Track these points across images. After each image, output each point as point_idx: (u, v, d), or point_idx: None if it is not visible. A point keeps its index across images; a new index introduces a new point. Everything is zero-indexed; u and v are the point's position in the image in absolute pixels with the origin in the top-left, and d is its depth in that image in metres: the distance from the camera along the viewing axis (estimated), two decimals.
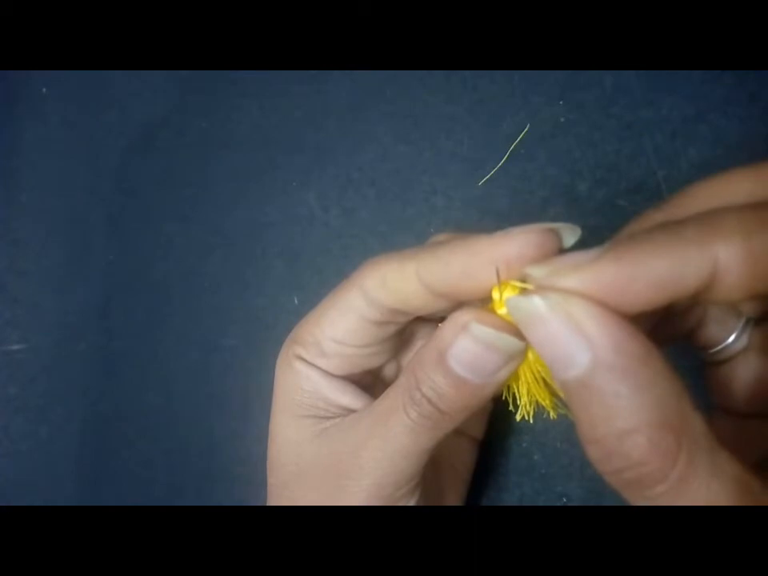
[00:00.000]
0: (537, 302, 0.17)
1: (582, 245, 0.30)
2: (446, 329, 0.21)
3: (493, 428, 0.31)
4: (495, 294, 0.20)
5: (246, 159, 0.43)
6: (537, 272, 0.19)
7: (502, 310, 0.20)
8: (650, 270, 0.17)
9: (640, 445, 0.16)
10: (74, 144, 0.51)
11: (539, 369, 0.21)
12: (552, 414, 0.22)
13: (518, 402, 0.22)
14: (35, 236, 0.51)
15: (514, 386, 0.22)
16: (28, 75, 0.53)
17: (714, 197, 0.20)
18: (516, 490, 0.31)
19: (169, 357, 0.44)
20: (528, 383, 0.22)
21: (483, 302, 0.21)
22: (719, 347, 0.23)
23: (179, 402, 0.43)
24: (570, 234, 0.20)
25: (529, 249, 0.19)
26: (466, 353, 0.20)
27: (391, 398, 0.23)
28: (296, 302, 0.40)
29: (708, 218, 0.17)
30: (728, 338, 0.23)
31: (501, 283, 0.20)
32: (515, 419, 0.22)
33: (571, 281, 0.18)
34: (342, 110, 0.39)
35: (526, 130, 0.32)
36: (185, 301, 0.44)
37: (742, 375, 0.22)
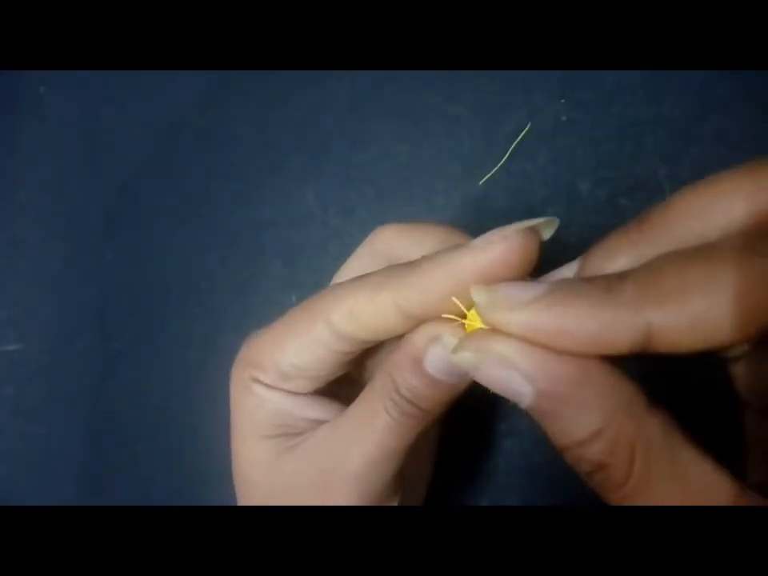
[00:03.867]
0: (468, 357, 0.19)
1: (583, 244, 0.30)
2: (418, 338, 0.21)
3: (493, 429, 0.31)
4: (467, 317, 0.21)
5: (245, 159, 0.43)
6: (479, 298, 0.19)
7: (471, 326, 0.21)
8: (580, 327, 0.17)
9: (597, 452, 0.17)
10: (73, 144, 0.51)
11: None
12: None
13: None
14: (33, 235, 0.51)
15: None
16: (26, 75, 0.53)
17: (693, 215, 0.19)
18: (516, 491, 0.31)
19: (167, 356, 0.44)
20: None
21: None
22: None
23: (177, 402, 0.43)
24: (549, 228, 0.21)
25: (511, 256, 0.19)
26: (439, 360, 0.21)
27: (368, 402, 0.23)
28: (294, 300, 0.40)
29: (647, 279, 0.17)
30: None
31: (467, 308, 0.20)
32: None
33: (504, 318, 0.18)
34: (342, 109, 0.39)
35: (526, 128, 0.32)
36: (183, 300, 0.44)
37: (757, 370, 0.22)
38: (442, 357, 0.21)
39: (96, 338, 0.48)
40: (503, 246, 0.19)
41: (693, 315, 0.17)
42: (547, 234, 0.20)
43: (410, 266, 0.21)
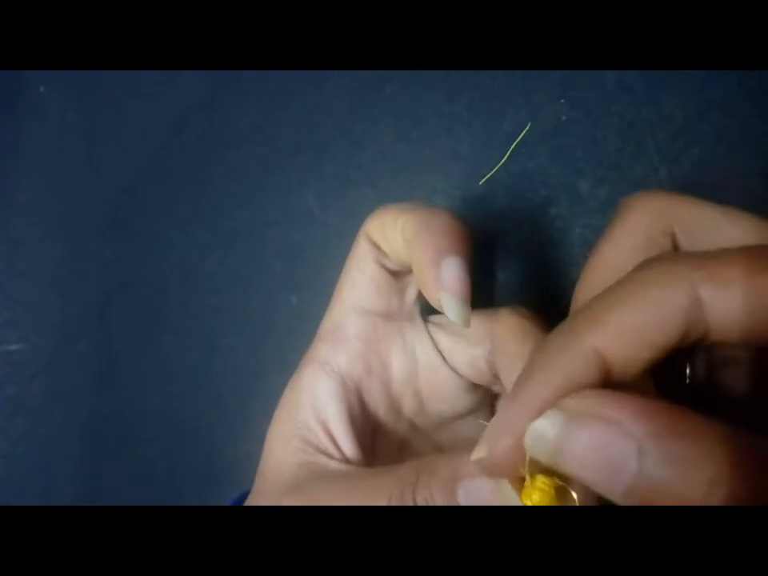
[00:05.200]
0: (560, 423, 0.16)
1: (583, 244, 0.30)
2: (473, 462, 0.19)
3: None
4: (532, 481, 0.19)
5: (246, 159, 0.43)
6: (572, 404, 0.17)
7: (527, 500, 0.19)
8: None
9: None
10: (73, 143, 0.51)
11: None
12: None
13: None
14: (34, 235, 0.51)
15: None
16: (26, 74, 0.53)
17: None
18: None
19: (168, 357, 0.44)
20: None
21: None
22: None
23: (178, 402, 0.43)
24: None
25: None
26: (478, 497, 0.20)
27: (383, 481, 0.22)
28: (294, 301, 0.40)
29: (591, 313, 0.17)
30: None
31: (531, 475, 0.18)
32: None
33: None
34: (342, 109, 0.39)
35: (527, 128, 0.32)
36: (183, 301, 0.44)
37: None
38: (483, 492, 0.19)
39: (96, 338, 0.48)
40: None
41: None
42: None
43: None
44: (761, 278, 0.16)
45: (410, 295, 0.27)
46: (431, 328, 0.27)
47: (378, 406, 0.26)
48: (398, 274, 0.26)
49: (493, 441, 0.18)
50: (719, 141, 0.28)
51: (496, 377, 0.26)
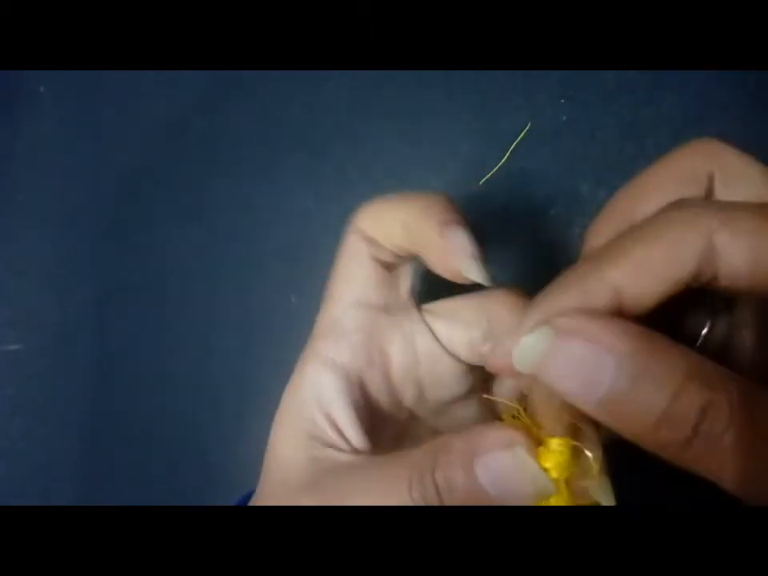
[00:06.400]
0: (543, 337, 0.18)
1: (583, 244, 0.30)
2: (489, 434, 0.20)
3: None
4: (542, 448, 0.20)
5: (245, 158, 0.43)
6: (534, 317, 0.19)
7: (545, 463, 0.20)
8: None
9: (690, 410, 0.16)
10: (72, 143, 0.51)
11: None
12: None
13: None
14: (33, 235, 0.51)
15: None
16: (26, 75, 0.53)
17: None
18: None
19: (166, 356, 0.44)
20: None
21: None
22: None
23: (177, 402, 0.43)
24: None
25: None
26: (498, 468, 0.20)
27: (400, 467, 0.22)
28: (293, 301, 0.40)
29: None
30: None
31: (544, 437, 0.20)
32: None
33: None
34: (341, 109, 0.39)
35: (527, 128, 0.32)
36: (182, 301, 0.44)
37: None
38: (503, 467, 0.20)
39: (95, 339, 0.48)
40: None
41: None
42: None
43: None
44: None
45: (405, 287, 0.27)
46: (427, 316, 0.27)
47: (380, 396, 0.26)
48: (392, 267, 0.27)
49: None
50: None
51: None
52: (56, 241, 0.51)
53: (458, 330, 0.26)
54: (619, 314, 0.19)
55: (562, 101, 0.32)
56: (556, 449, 0.19)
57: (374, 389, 0.26)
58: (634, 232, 0.19)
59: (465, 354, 0.27)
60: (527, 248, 0.32)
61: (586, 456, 0.19)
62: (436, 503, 0.20)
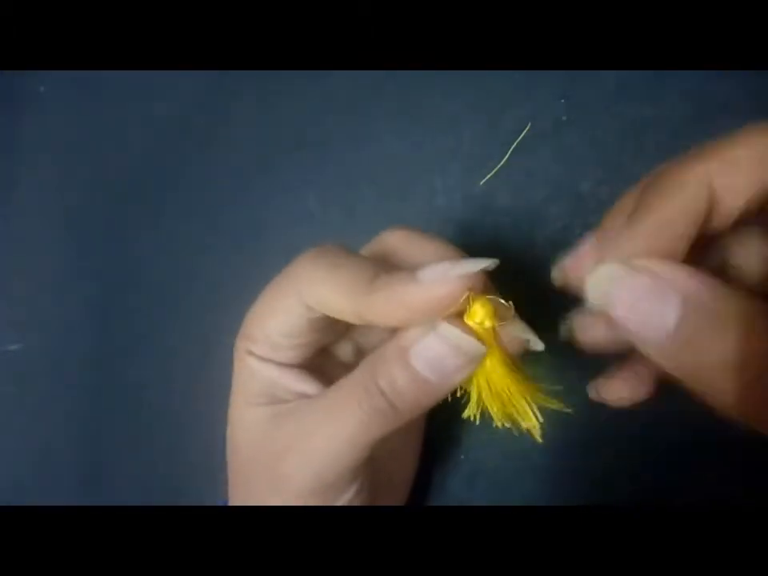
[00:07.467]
0: (609, 273, 0.19)
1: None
2: (414, 328, 0.21)
3: (493, 430, 0.31)
4: (471, 307, 0.21)
5: (246, 158, 0.43)
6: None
7: (471, 320, 0.21)
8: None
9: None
10: (73, 144, 0.51)
11: (494, 378, 0.22)
12: (498, 424, 0.23)
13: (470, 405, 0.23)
14: (33, 235, 0.51)
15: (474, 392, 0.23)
16: (26, 75, 0.53)
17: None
18: (517, 491, 0.31)
19: (168, 356, 0.44)
20: (480, 390, 0.22)
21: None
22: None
23: (179, 401, 0.43)
24: (488, 266, 0.21)
25: (452, 297, 0.20)
26: (430, 351, 0.21)
27: (346, 387, 0.23)
28: None
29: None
30: None
31: (472, 297, 0.21)
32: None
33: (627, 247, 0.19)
34: (342, 108, 0.39)
35: (527, 128, 0.32)
36: (184, 300, 0.44)
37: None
38: (433, 347, 0.21)
39: (96, 338, 0.48)
40: (446, 288, 0.20)
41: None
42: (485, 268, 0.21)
43: (374, 285, 0.22)
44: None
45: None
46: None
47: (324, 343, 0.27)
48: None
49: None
50: None
51: None
52: (56, 239, 0.51)
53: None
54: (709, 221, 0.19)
55: (563, 100, 0.32)
56: (480, 304, 0.21)
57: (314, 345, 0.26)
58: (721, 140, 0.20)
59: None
60: (527, 248, 0.32)
61: (501, 305, 0.21)
62: (388, 410, 0.21)
